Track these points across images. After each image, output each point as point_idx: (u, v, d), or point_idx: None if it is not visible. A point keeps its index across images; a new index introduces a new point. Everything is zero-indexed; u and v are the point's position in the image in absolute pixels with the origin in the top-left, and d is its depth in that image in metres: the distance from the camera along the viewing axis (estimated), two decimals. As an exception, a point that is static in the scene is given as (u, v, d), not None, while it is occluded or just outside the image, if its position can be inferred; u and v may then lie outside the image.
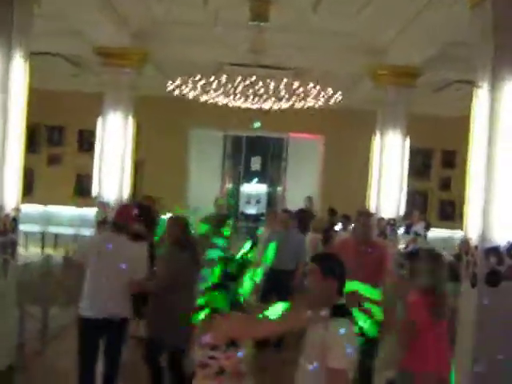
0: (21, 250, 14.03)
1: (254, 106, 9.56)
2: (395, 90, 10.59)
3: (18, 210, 6.33)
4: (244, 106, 9.67)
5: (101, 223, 10.59)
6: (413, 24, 8.64)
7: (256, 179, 21.96)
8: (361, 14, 9.22)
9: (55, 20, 9.40)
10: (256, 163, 21.41)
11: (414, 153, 15.27)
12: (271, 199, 21.40)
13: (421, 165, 15.64)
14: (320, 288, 3.43)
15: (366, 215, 6.48)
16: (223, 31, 9.71)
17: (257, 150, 21.34)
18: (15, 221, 6.30)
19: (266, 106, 9.40)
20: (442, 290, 4.74)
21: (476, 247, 6.26)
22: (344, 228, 9.50)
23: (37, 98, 14.98)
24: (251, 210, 21.38)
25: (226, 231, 8.29)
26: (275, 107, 10.31)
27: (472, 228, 6.41)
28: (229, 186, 21.36)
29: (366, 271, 5.55)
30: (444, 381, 4.77)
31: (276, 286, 7.71)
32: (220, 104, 10.20)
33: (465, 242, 6.56)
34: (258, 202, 21.57)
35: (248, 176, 21.80)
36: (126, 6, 9.24)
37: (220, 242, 7.52)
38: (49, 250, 12.96)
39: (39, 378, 6.68)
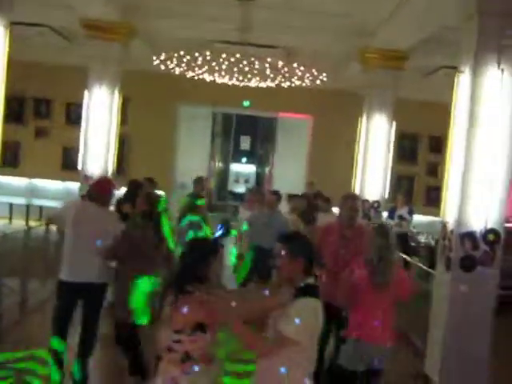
0: (4, 221, 14.20)
1: (241, 84, 9.50)
2: (383, 73, 10.55)
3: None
4: (230, 83, 9.61)
5: (84, 197, 10.55)
6: (402, 7, 8.56)
7: (245, 158, 21.94)
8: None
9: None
10: (245, 142, 21.37)
11: (402, 137, 15.33)
12: (260, 179, 21.41)
13: (408, 149, 15.67)
14: (287, 268, 3.42)
15: (352, 199, 6.29)
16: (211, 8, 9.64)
17: (247, 129, 21.29)
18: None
19: (252, 84, 9.33)
20: (378, 260, 4.81)
21: (452, 232, 6.31)
22: (325, 210, 9.48)
23: (24, 70, 15.07)
24: (239, 189, 21.37)
25: (201, 202, 8.20)
26: (261, 86, 10.28)
27: (449, 213, 6.45)
28: (218, 164, 21.37)
29: (350, 255, 5.50)
30: (383, 350, 4.90)
31: (259, 265, 7.76)
32: (208, 81, 10.13)
33: (442, 226, 6.60)
34: (246, 181, 21.56)
35: (237, 155, 21.77)
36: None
37: (194, 218, 7.54)
38: (33, 223, 12.91)
39: (15, 349, 6.68)
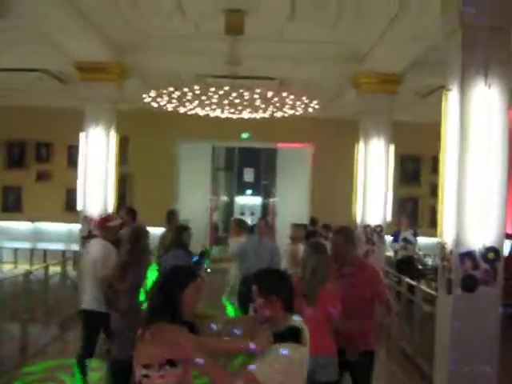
0: (9, 266, 14.18)
1: (234, 117, 9.52)
2: (377, 97, 10.56)
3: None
4: (225, 116, 9.64)
5: (85, 238, 10.54)
6: (390, 30, 8.61)
7: (250, 190, 21.94)
8: (338, 23, 9.19)
9: (36, 36, 9.42)
10: (249, 174, 21.41)
11: (403, 160, 15.29)
12: (266, 210, 21.36)
13: (410, 172, 15.61)
14: (263, 309, 3.25)
15: (335, 233, 5.64)
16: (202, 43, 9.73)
17: (250, 162, 21.35)
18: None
19: (245, 116, 9.35)
20: (307, 277, 4.79)
21: (451, 252, 6.19)
22: (324, 237, 9.41)
23: (25, 115, 15.24)
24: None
25: None
26: (258, 117, 10.30)
27: (447, 232, 6.34)
28: (222, 197, 21.36)
29: (355, 293, 5.09)
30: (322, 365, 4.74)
31: (247, 293, 7.70)
32: (202, 115, 10.16)
33: (441, 247, 6.49)
34: (252, 213, 21.52)
35: (241, 187, 21.79)
36: (104, 20, 9.23)
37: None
38: (35, 266, 12.85)
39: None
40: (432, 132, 14.34)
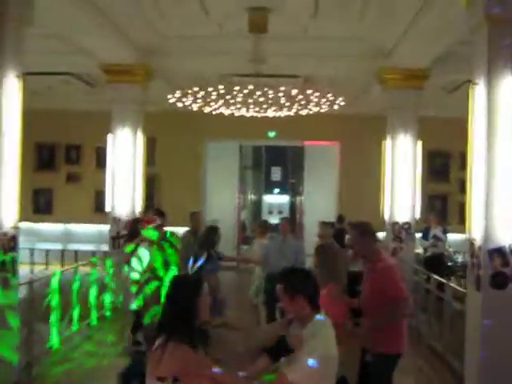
0: (41, 267, 14.38)
1: (259, 115, 9.52)
2: (403, 93, 10.45)
3: (16, 228, 6.35)
4: (250, 115, 9.65)
5: (114, 238, 10.66)
6: (414, 25, 8.51)
7: (277, 189, 21.92)
8: (363, 19, 9.14)
9: (63, 40, 9.56)
10: (276, 173, 21.37)
11: (432, 156, 15.11)
12: (293, 208, 21.30)
13: (439, 168, 15.42)
14: (290, 308, 3.33)
15: (351, 228, 5.71)
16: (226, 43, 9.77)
17: (277, 160, 21.32)
18: (14, 239, 6.32)
19: (270, 114, 9.35)
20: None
21: (480, 248, 6.10)
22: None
23: (54, 118, 15.43)
24: (274, 221, 21.28)
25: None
26: (285, 116, 10.30)
27: (475, 229, 6.25)
28: (250, 196, 21.39)
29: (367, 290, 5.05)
30: None
31: (272, 292, 7.73)
32: (227, 114, 10.18)
33: (469, 243, 6.39)
34: (280, 212, 21.49)
35: (269, 186, 21.77)
36: (128, 23, 9.32)
37: None
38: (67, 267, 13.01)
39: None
40: (461, 127, 14.29)
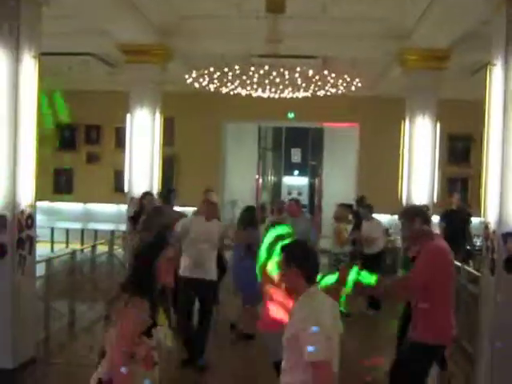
0: (61, 246, 14.59)
1: (277, 96, 9.49)
2: (423, 74, 10.31)
3: (32, 206, 6.44)
4: (266, 96, 9.61)
5: (131, 218, 10.73)
6: (434, 5, 8.37)
7: (297, 171, 21.86)
8: (382, -2, 9.04)
9: (81, 20, 9.58)
10: (296, 155, 21.29)
11: (452, 139, 14.94)
12: (313, 190, 21.25)
13: (460, 151, 15.25)
14: (286, 278, 3.41)
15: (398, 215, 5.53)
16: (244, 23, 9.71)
17: (297, 142, 21.23)
18: (31, 217, 6.42)
19: (287, 95, 9.31)
20: None
21: (494, 232, 6.05)
22: (367, 218, 9.34)
23: (74, 98, 15.54)
24: (293, 202, 21.30)
25: None
26: (304, 97, 10.24)
27: (490, 212, 6.20)
28: (270, 178, 21.38)
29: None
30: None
31: None
32: (244, 95, 10.15)
33: (484, 227, 6.35)
34: (299, 194, 21.44)
35: (289, 168, 21.72)
36: (147, 3, 9.31)
37: None
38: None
39: (62, 372, 6.80)
40: (483, 110, 14.10)
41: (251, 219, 8.11)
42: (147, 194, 9.35)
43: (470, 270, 8.37)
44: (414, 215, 4.90)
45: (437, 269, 4.60)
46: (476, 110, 14.41)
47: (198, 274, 6.64)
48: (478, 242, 12.15)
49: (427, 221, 4.94)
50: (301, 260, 3.37)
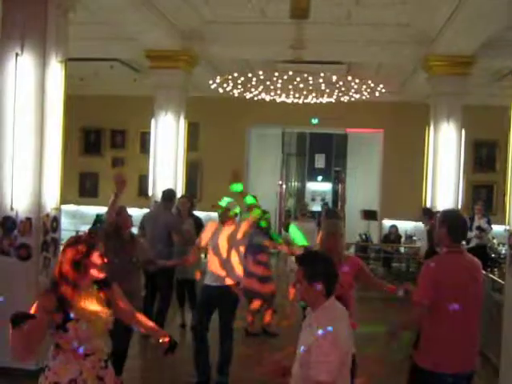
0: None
1: (300, 101, 9.50)
2: (448, 79, 10.24)
3: (57, 209, 6.54)
4: (290, 101, 9.63)
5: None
6: (459, 10, 8.31)
7: (320, 177, 21.85)
8: (406, 4, 9.00)
9: (107, 26, 9.70)
10: (320, 160, 21.29)
11: (478, 145, 14.81)
12: (336, 196, 21.21)
13: (486, 157, 15.09)
14: (306, 294, 3.27)
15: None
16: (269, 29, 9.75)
17: (321, 147, 21.23)
18: (56, 220, 6.51)
19: (311, 101, 9.31)
20: None
21: (520, 240, 5.99)
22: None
23: (100, 103, 15.71)
24: (316, 208, 21.28)
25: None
26: (328, 103, 10.25)
27: (515, 219, 6.14)
28: (294, 183, 21.38)
29: None
30: None
31: None
32: (268, 100, 10.19)
33: (509, 234, 6.27)
34: (322, 199, 21.42)
35: (313, 173, 21.72)
36: (172, 9, 9.40)
37: None
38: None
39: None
40: (508, 116, 13.93)
41: None
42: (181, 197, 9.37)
43: (495, 278, 8.27)
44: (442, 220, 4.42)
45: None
46: (501, 116, 14.37)
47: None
48: (502, 250, 12.03)
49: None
50: (324, 275, 3.24)
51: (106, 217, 5.80)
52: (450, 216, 4.38)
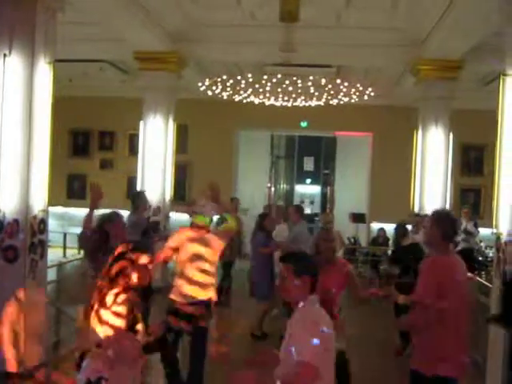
0: (74, 251, 14.65)
1: (289, 104, 9.52)
2: (436, 83, 10.30)
3: (45, 211, 6.48)
4: (280, 104, 9.65)
5: (143, 224, 10.76)
6: (448, 16, 8.37)
7: (309, 180, 21.87)
8: (396, 8, 9.05)
9: (96, 27, 9.67)
10: (309, 163, 21.32)
11: (466, 149, 14.89)
12: (325, 199, 21.24)
13: (473, 161, 15.18)
14: (293, 288, 3.37)
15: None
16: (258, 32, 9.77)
17: (310, 150, 21.26)
18: (43, 222, 6.46)
19: (299, 103, 9.33)
20: None
21: (506, 243, 6.02)
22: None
23: (88, 104, 15.64)
24: (305, 211, 21.26)
25: None
26: (317, 106, 10.27)
27: (502, 223, 6.17)
28: (282, 186, 21.38)
29: None
30: None
31: None
32: (257, 103, 10.20)
33: (496, 238, 6.31)
34: (311, 202, 21.44)
35: (301, 176, 21.74)
36: (161, 11, 9.40)
37: None
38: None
39: (71, 376, 6.79)
40: (496, 120, 14.01)
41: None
42: None
43: (482, 281, 8.31)
44: (436, 222, 4.38)
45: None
46: (489, 120, 14.44)
47: None
48: (490, 253, 12.10)
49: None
50: (311, 269, 3.38)
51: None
52: (442, 216, 4.34)
